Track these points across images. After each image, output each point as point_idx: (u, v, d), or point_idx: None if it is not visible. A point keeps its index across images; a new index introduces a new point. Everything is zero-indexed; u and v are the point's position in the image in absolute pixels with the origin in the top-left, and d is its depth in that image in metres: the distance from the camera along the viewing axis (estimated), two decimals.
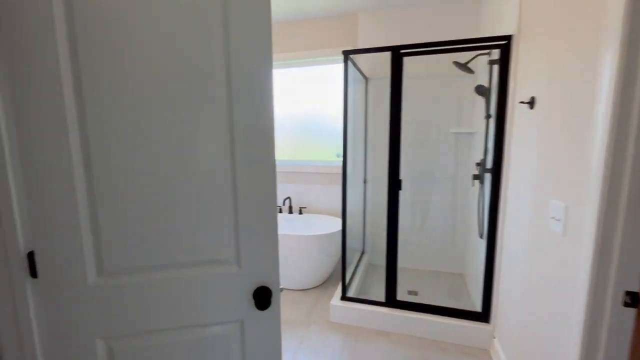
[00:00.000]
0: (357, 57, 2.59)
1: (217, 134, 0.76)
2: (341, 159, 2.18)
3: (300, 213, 3.04)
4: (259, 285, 0.84)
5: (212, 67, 0.73)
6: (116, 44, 0.68)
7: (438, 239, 2.86)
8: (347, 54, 2.10)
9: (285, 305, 2.39)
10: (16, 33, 0.64)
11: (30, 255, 0.73)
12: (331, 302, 2.22)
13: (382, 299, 2.13)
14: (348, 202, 2.27)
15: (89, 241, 0.75)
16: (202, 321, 0.83)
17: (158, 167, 0.75)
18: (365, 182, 2.99)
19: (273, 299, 0.85)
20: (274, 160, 0.81)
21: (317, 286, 2.70)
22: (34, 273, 0.73)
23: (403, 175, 2.02)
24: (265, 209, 0.82)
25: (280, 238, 2.55)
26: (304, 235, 2.50)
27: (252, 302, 0.84)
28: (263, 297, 0.82)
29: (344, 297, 2.24)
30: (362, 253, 3.06)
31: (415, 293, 2.47)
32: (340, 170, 2.32)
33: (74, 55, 0.67)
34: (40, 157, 0.68)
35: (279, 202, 3.16)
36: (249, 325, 0.85)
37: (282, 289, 0.88)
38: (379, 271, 2.63)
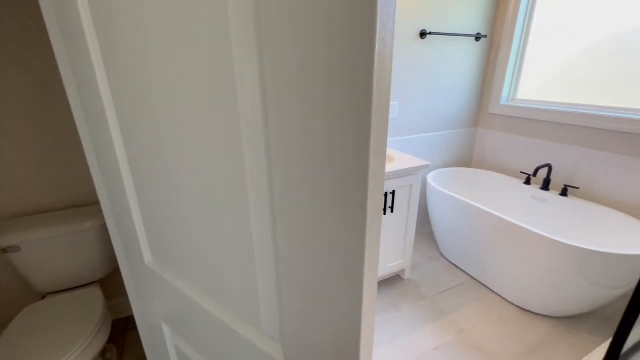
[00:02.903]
0: None
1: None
2: None
3: (564, 194, 1.90)
4: None
5: None
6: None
7: None
8: None
9: (492, 318, 1.69)
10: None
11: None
12: None
13: None
14: None
15: (141, 226, 0.62)
16: None
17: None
18: None
19: None
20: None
21: (552, 317, 1.68)
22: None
23: None
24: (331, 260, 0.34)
25: (509, 227, 1.69)
26: (561, 243, 1.44)
27: None
28: None
29: None
30: None
31: None
32: None
33: None
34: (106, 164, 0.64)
35: (529, 170, 2.13)
36: None
37: None
38: None
